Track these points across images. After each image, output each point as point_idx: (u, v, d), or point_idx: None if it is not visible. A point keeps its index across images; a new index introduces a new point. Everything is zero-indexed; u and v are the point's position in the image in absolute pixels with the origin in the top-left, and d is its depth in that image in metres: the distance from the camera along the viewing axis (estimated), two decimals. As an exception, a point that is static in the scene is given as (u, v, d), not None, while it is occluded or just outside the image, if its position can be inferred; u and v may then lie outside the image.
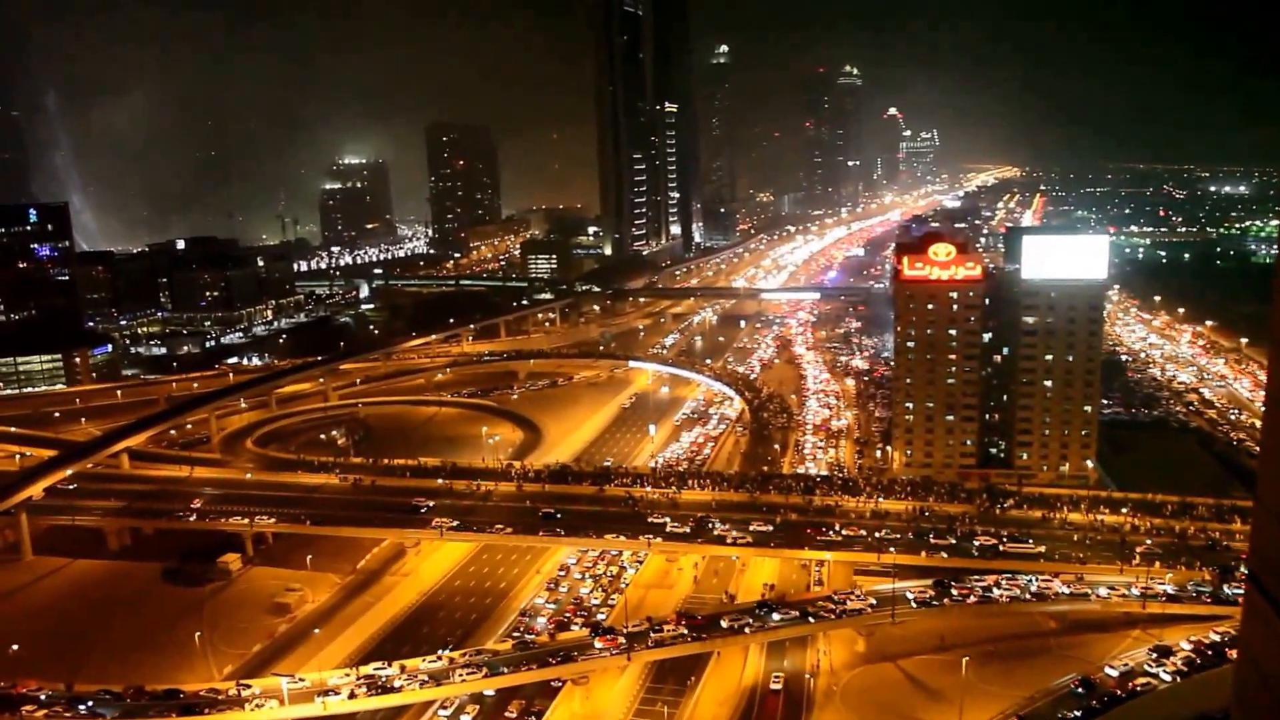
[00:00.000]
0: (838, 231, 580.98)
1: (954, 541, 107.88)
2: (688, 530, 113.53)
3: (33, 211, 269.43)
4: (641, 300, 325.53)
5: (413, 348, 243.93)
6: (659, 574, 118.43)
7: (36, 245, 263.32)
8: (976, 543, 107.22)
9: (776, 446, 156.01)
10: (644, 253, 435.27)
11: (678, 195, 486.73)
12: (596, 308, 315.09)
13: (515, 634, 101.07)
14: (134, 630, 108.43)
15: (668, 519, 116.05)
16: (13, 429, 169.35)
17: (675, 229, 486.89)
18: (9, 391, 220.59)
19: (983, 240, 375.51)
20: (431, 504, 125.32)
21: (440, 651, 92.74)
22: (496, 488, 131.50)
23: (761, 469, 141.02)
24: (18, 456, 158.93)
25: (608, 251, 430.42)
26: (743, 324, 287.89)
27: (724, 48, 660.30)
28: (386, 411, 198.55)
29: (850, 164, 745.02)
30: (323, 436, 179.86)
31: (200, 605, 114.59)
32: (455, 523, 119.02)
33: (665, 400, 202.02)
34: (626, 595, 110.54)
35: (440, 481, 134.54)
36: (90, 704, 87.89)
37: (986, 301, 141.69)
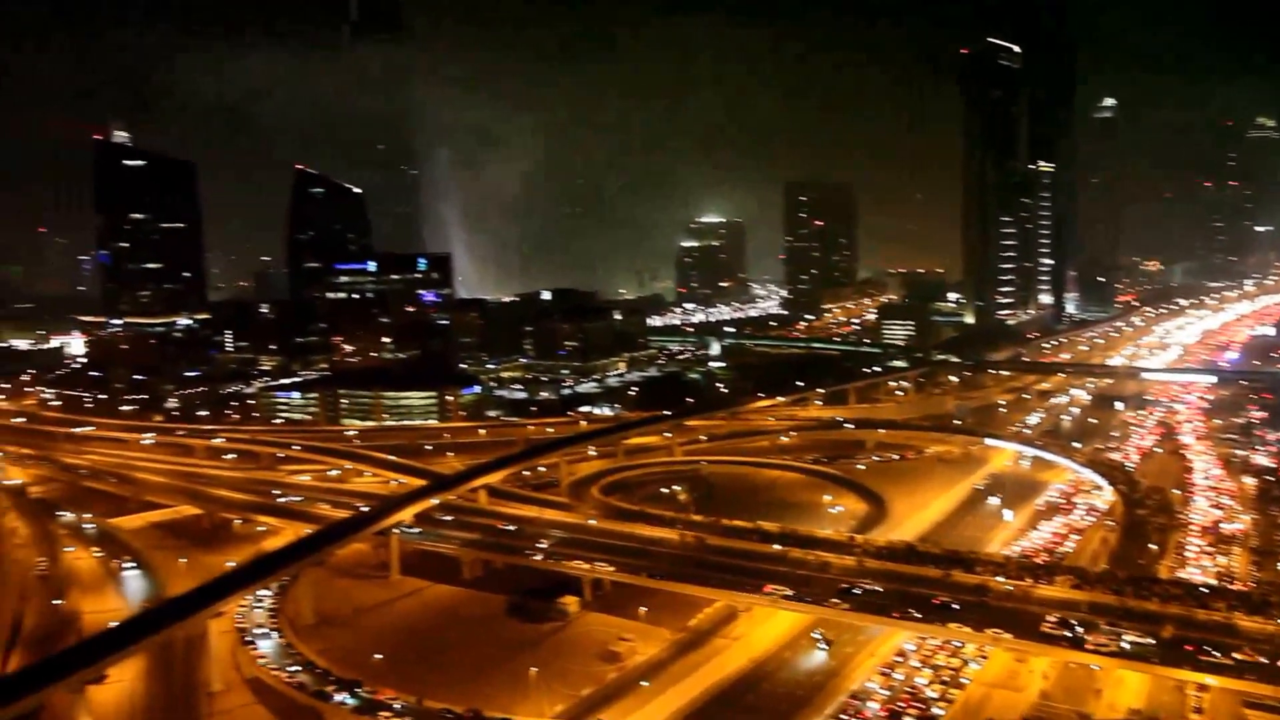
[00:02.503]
0: (1240, 307, 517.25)
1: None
2: (1042, 629, 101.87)
3: (422, 260, 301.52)
4: (1004, 374, 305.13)
5: (759, 408, 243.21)
6: (1006, 673, 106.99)
7: (423, 291, 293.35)
8: None
9: (1153, 547, 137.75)
10: (1009, 322, 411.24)
11: (1050, 262, 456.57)
12: (954, 379, 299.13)
13: (843, 716, 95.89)
14: (475, 657, 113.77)
15: (1020, 614, 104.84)
16: (391, 458, 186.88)
17: (1045, 298, 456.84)
18: (390, 423, 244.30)
19: None
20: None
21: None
22: (836, 560, 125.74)
23: (1134, 571, 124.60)
24: (393, 483, 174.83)
25: (969, 320, 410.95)
26: (1119, 406, 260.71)
27: (1110, 100, 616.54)
28: (729, 471, 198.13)
29: (1259, 229, 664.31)
30: (665, 490, 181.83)
31: (537, 642, 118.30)
32: (790, 592, 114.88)
33: (1024, 484, 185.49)
34: (967, 692, 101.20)
35: (778, 548, 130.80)
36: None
37: None
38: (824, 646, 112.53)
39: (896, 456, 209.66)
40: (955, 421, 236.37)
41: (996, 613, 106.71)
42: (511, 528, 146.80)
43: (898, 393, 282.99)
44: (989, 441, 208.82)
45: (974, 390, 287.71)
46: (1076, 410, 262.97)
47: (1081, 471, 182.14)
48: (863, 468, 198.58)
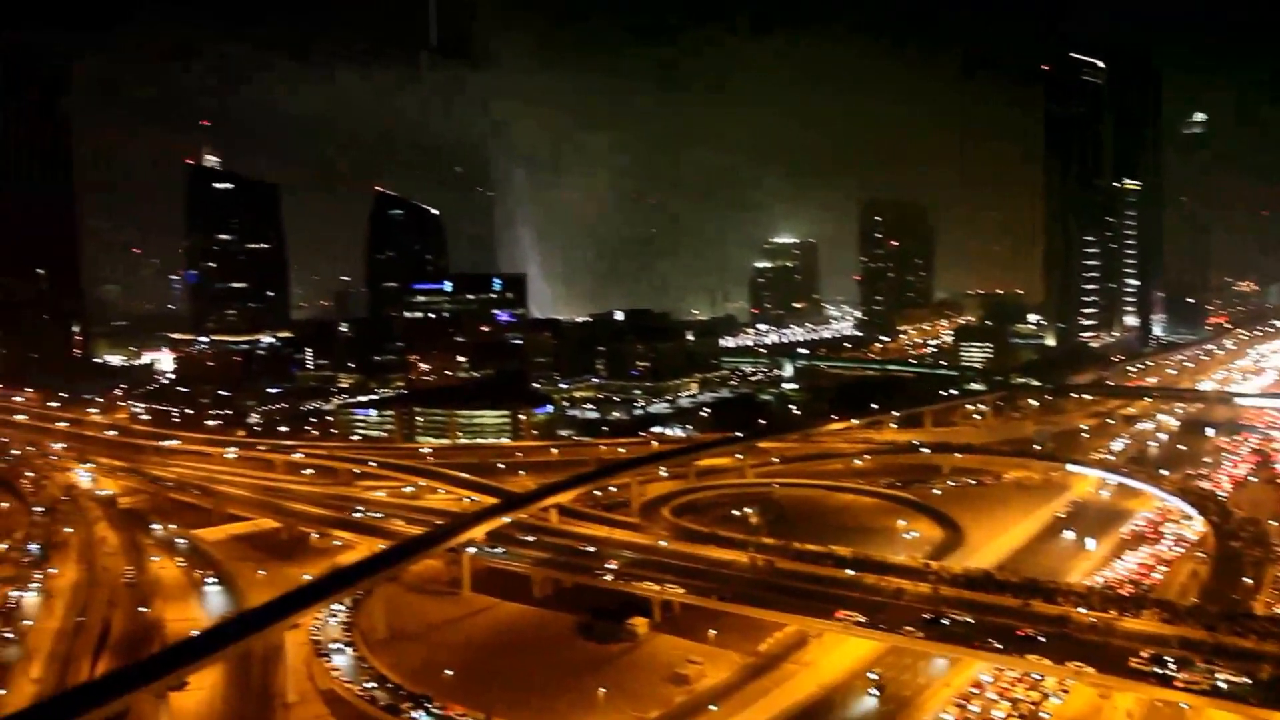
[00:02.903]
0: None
1: None
2: (1128, 664, 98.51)
3: (497, 281, 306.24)
4: (1086, 398, 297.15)
5: (833, 431, 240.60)
6: (1088, 709, 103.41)
7: (498, 311, 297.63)
8: None
9: (1248, 581, 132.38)
10: (1092, 345, 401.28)
11: (1135, 283, 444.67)
12: (1033, 402, 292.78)
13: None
14: (544, 676, 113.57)
15: (1104, 647, 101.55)
16: (464, 475, 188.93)
17: (1130, 320, 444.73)
18: (464, 441, 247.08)
19: None
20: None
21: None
22: (910, 587, 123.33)
23: (1228, 606, 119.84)
24: (466, 500, 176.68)
25: (1050, 342, 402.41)
26: (1210, 433, 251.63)
27: (1200, 115, 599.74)
28: (801, 494, 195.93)
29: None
30: (736, 513, 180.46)
31: (606, 663, 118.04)
32: (863, 619, 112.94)
33: (1108, 512, 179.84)
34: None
35: (850, 573, 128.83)
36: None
37: None
38: (875, 692, 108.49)
39: (973, 481, 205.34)
40: (1035, 446, 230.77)
41: (1079, 645, 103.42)
42: (582, 547, 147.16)
43: (975, 416, 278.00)
44: (1071, 467, 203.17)
45: (1055, 415, 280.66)
46: (1164, 436, 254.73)
47: (1169, 500, 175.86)
48: (938, 493, 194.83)
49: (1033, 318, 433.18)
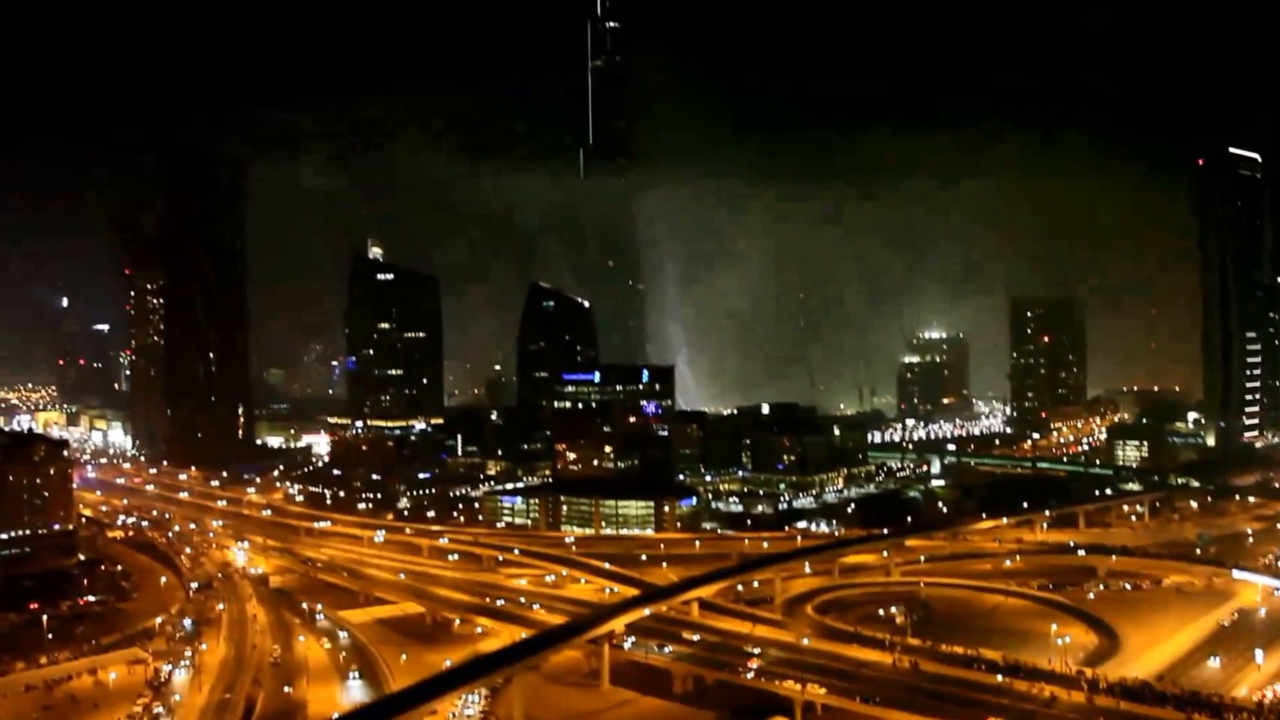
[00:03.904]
0: None
1: None
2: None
3: (645, 372, 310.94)
4: (1251, 500, 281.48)
5: (982, 530, 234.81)
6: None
7: (645, 402, 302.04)
8: None
9: None
10: (1257, 445, 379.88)
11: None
12: (1194, 504, 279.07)
13: None
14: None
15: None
16: (606, 565, 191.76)
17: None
18: (608, 531, 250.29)
19: None
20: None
21: None
22: (1064, 695, 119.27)
23: None
24: (608, 590, 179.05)
25: (1210, 441, 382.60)
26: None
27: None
28: (949, 594, 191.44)
29: None
30: (881, 612, 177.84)
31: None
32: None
33: (1278, 622, 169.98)
34: None
35: (999, 678, 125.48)
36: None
37: None
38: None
39: (1130, 586, 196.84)
40: (1197, 550, 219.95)
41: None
42: (724, 642, 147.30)
43: (1132, 518, 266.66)
44: (1237, 574, 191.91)
45: (1218, 517, 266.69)
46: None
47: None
48: (1093, 596, 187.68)
49: (1192, 416, 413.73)
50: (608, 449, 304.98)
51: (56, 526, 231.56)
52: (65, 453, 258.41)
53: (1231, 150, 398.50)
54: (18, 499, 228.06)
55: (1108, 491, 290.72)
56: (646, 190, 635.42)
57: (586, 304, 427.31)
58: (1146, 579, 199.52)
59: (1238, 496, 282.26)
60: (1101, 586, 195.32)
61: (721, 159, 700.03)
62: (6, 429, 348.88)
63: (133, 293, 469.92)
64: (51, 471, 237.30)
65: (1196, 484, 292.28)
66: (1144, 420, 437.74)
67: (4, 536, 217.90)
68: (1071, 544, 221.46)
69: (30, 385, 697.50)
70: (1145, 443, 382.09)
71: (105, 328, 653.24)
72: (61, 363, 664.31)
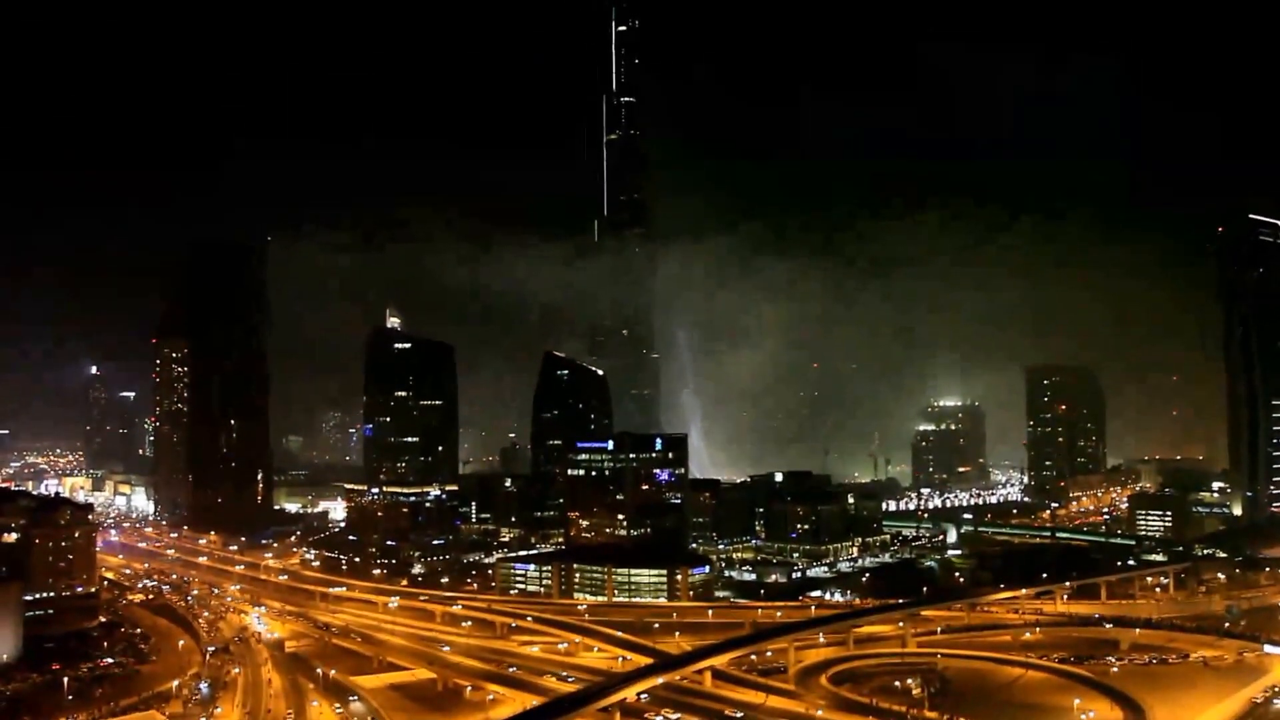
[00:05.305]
0: None
1: None
2: None
3: (659, 441, 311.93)
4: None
5: (1000, 600, 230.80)
6: None
7: (658, 470, 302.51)
8: None
9: None
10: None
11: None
12: (1221, 576, 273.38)
13: None
14: None
15: None
16: (619, 633, 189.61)
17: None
18: (621, 599, 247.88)
19: None
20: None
21: None
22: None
23: None
24: (620, 659, 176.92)
25: (1237, 511, 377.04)
26: None
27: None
28: (967, 665, 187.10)
29: None
30: (897, 684, 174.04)
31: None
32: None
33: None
34: None
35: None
36: None
37: None
38: None
39: (1155, 659, 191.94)
40: (1226, 624, 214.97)
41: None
42: (737, 714, 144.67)
43: (1156, 589, 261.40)
44: (1269, 648, 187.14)
45: (1247, 589, 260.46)
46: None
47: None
48: (1117, 670, 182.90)
49: (1216, 485, 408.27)
50: (620, 517, 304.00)
51: (79, 589, 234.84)
52: (90, 517, 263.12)
53: (1251, 216, 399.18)
54: (44, 562, 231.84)
55: (1130, 562, 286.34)
56: (663, 261, 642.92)
57: (600, 373, 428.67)
58: (1173, 653, 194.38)
59: (1267, 568, 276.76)
60: (1127, 660, 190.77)
61: (735, 231, 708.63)
62: (35, 493, 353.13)
63: (158, 362, 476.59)
64: (76, 535, 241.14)
65: (1223, 555, 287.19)
66: (1166, 490, 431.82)
67: (30, 598, 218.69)
68: (1096, 616, 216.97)
69: (59, 450, 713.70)
70: (1168, 512, 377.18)
71: (131, 395, 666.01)
72: (89, 429, 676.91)
